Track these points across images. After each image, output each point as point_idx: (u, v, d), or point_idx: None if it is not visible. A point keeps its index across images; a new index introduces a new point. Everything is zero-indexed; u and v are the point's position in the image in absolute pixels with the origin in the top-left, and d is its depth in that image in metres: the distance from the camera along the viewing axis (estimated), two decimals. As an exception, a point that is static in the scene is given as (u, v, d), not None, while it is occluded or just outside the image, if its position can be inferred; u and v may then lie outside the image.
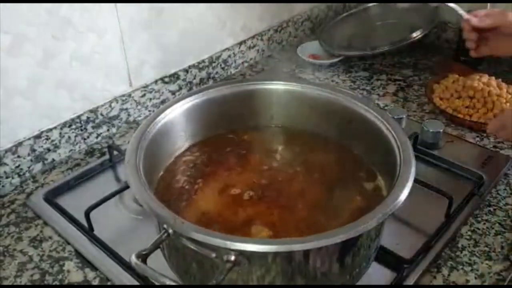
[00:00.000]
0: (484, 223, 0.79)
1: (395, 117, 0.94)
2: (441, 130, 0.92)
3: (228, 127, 0.77)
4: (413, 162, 0.60)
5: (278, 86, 0.76)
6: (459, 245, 0.76)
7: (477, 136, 0.97)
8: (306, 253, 0.54)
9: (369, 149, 0.71)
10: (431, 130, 0.92)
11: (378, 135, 0.68)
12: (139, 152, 0.63)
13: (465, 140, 0.96)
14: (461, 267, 0.72)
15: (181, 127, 0.74)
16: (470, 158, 0.91)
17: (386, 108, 1.05)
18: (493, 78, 1.05)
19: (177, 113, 0.73)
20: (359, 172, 0.72)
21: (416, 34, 1.16)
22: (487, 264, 0.72)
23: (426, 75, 1.18)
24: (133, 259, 0.51)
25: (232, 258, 0.51)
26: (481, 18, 0.84)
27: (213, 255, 0.52)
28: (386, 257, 0.71)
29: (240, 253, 0.51)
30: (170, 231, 0.53)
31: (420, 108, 1.07)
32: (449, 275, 0.71)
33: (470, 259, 0.73)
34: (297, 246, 0.50)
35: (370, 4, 1.34)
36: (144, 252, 0.53)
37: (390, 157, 0.64)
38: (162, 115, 0.71)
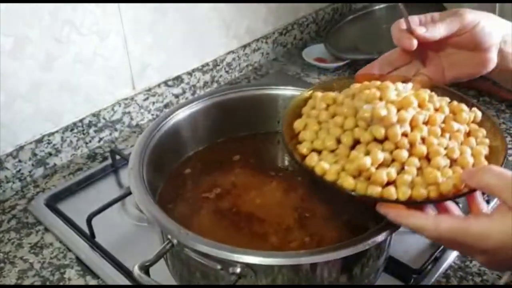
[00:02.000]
0: (494, 232, 0.77)
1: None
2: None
3: (234, 133, 0.76)
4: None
5: (285, 91, 0.75)
6: (469, 255, 0.74)
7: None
8: (314, 265, 0.52)
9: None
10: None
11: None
12: (143, 159, 0.62)
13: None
14: (470, 277, 0.71)
15: (185, 132, 0.72)
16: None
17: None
18: (429, 91, 0.60)
19: (181, 118, 0.71)
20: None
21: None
22: (497, 274, 0.71)
23: (434, 79, 1.16)
24: (136, 271, 0.50)
25: (238, 270, 0.50)
26: (432, 27, 0.63)
27: (219, 267, 0.51)
28: (394, 266, 0.69)
29: (246, 265, 0.49)
30: (174, 241, 0.52)
31: (428, 113, 1.05)
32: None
33: (479, 269, 0.72)
34: (305, 259, 0.48)
35: (376, 7, 1.32)
36: (147, 263, 0.51)
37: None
38: (167, 120, 0.69)
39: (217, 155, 0.73)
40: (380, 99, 0.55)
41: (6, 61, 0.79)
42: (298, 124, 0.60)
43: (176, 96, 1.08)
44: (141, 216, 0.80)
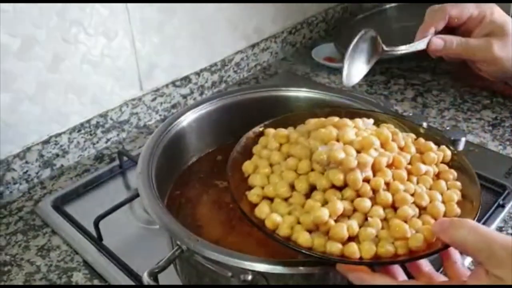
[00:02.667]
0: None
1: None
2: (464, 139, 0.89)
3: (243, 135, 0.74)
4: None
5: (297, 93, 0.73)
6: (484, 260, 0.72)
7: (500, 144, 0.94)
8: (326, 273, 0.51)
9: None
10: (452, 138, 0.89)
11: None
12: (152, 163, 0.61)
13: (487, 148, 0.93)
14: (485, 283, 0.69)
15: (194, 135, 0.71)
16: (493, 167, 0.87)
17: (404, 114, 1.02)
18: (392, 127, 0.58)
19: (190, 120, 0.70)
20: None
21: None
22: (513, 280, 0.69)
23: (446, 80, 1.14)
24: (146, 278, 0.49)
25: (249, 278, 0.49)
26: (450, 45, 0.61)
27: (229, 274, 0.50)
28: (404, 270, 0.68)
29: (258, 273, 0.48)
30: (184, 247, 0.51)
31: (440, 114, 1.03)
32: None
33: None
34: (318, 268, 0.47)
35: (387, 6, 1.31)
36: (156, 270, 0.50)
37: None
38: (175, 123, 0.68)
39: (226, 157, 0.72)
40: (338, 139, 0.50)
41: (13, 62, 0.79)
42: (247, 167, 0.55)
43: (184, 96, 1.07)
44: (149, 219, 0.79)
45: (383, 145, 0.51)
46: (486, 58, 0.60)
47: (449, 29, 0.62)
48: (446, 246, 0.45)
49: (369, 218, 0.47)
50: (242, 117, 0.73)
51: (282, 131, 0.56)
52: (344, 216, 0.47)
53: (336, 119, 0.54)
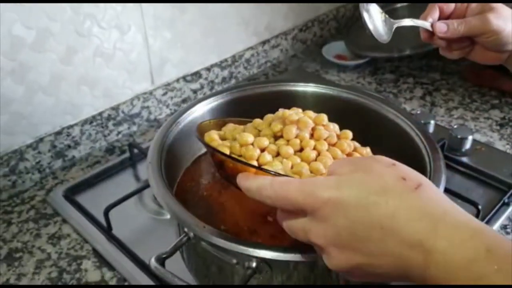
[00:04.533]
0: (514, 235, 0.76)
1: (423, 122, 0.92)
2: (470, 137, 0.89)
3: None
4: (443, 175, 0.58)
5: (305, 88, 0.74)
6: (488, 257, 0.73)
7: (507, 144, 0.94)
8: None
9: (397, 155, 0.69)
10: (459, 136, 0.90)
11: (407, 141, 0.66)
12: (161, 153, 0.62)
13: (494, 147, 0.93)
14: None
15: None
16: (499, 166, 0.87)
17: (413, 112, 1.03)
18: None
19: (199, 113, 0.71)
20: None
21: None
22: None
23: (455, 79, 1.15)
24: (153, 263, 0.50)
25: (254, 265, 0.50)
26: (452, 27, 0.65)
27: (234, 261, 0.51)
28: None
29: (262, 260, 0.49)
30: (191, 234, 0.52)
31: (448, 113, 1.04)
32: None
33: None
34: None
35: (398, 5, 1.31)
36: (163, 255, 0.51)
37: (419, 164, 0.61)
38: (185, 115, 0.69)
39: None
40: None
41: (28, 54, 0.80)
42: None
43: (194, 91, 1.09)
44: (157, 209, 0.80)
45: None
46: (485, 31, 0.65)
47: (444, 19, 0.69)
48: None
49: (284, 160, 0.51)
50: (250, 110, 0.74)
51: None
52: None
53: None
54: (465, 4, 0.67)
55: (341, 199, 0.39)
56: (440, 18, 0.68)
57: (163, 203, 0.54)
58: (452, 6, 0.68)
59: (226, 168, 0.51)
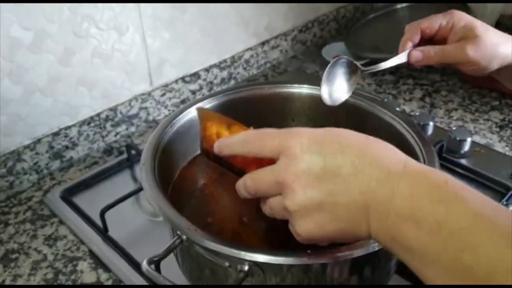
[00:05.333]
0: (512, 238, 0.76)
1: (422, 123, 0.91)
2: (469, 138, 0.89)
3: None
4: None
5: (301, 89, 0.74)
6: (485, 260, 0.72)
7: (507, 146, 0.93)
8: (324, 265, 0.51)
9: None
10: (458, 138, 0.89)
11: (403, 142, 0.65)
12: (156, 154, 0.62)
13: (493, 149, 0.92)
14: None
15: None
16: (498, 168, 0.87)
17: (412, 113, 1.02)
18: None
19: (195, 114, 0.71)
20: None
21: (445, 38, 1.12)
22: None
23: (455, 80, 1.14)
24: (144, 265, 0.50)
25: (246, 268, 0.49)
26: (428, 55, 0.65)
27: (226, 264, 0.51)
28: (406, 268, 0.68)
29: (254, 263, 0.49)
30: (184, 237, 0.52)
31: (448, 114, 1.03)
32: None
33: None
34: (314, 260, 0.47)
35: (399, 6, 1.30)
36: (156, 258, 0.51)
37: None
38: (180, 116, 0.69)
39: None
40: None
41: (25, 55, 0.80)
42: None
43: (193, 92, 1.09)
44: (154, 211, 0.80)
45: None
46: (462, 60, 0.64)
47: (427, 41, 0.68)
48: None
49: None
50: (246, 112, 0.74)
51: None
52: None
53: None
54: (450, 25, 0.65)
55: (315, 136, 0.43)
56: (422, 39, 0.67)
57: (154, 205, 0.54)
58: (436, 27, 0.66)
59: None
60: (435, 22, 0.66)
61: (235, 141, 0.49)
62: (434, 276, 0.37)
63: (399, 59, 0.67)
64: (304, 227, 0.43)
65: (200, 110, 0.60)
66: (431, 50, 0.65)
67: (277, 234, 0.59)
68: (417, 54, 0.66)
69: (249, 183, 0.47)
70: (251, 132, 0.49)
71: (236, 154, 0.51)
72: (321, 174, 0.42)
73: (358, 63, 0.65)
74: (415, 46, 0.67)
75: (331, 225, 0.43)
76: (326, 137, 0.43)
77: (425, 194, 0.38)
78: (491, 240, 0.34)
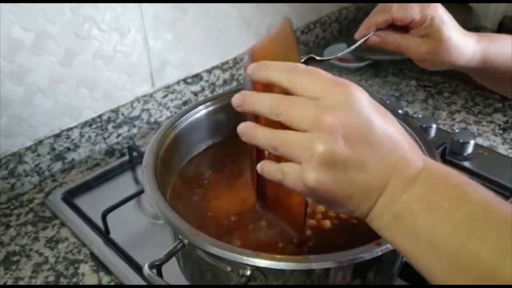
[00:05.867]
0: (516, 241, 0.75)
1: (424, 125, 0.91)
2: (473, 141, 0.89)
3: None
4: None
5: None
6: (489, 264, 0.72)
7: (510, 148, 0.93)
8: (326, 269, 0.51)
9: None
10: (461, 141, 0.89)
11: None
12: (157, 157, 0.62)
13: (497, 152, 0.92)
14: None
15: (200, 130, 0.72)
16: (502, 170, 0.86)
17: (415, 115, 1.02)
18: None
19: (197, 116, 0.71)
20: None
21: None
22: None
23: (458, 82, 1.14)
24: (146, 270, 0.50)
25: (248, 273, 0.49)
26: (385, 41, 0.64)
27: (228, 268, 0.50)
28: (409, 272, 0.67)
29: (256, 268, 0.48)
30: (185, 241, 0.51)
31: (451, 116, 1.03)
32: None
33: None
34: (317, 265, 0.47)
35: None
36: (157, 262, 0.51)
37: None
38: (183, 118, 0.69)
39: (230, 150, 0.73)
40: None
41: (27, 56, 0.80)
42: None
43: (195, 93, 1.08)
44: (156, 214, 0.79)
45: None
46: (416, 58, 0.64)
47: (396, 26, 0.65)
48: None
49: None
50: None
51: None
52: None
53: None
54: (422, 21, 0.62)
55: (363, 97, 0.40)
56: (391, 25, 0.64)
57: (156, 209, 0.53)
58: (408, 21, 0.62)
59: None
60: (410, 15, 0.62)
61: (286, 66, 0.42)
62: (438, 267, 0.37)
63: (358, 43, 0.65)
64: (317, 177, 0.38)
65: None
66: (390, 38, 0.64)
67: (275, 232, 0.59)
68: (375, 38, 0.65)
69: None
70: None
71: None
72: (361, 136, 0.39)
73: (313, 55, 0.60)
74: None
75: (343, 188, 0.39)
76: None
77: (441, 179, 0.39)
78: (500, 229, 0.35)
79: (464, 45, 0.63)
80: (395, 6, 0.63)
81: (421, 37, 0.63)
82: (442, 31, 0.62)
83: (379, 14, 0.64)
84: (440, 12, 0.62)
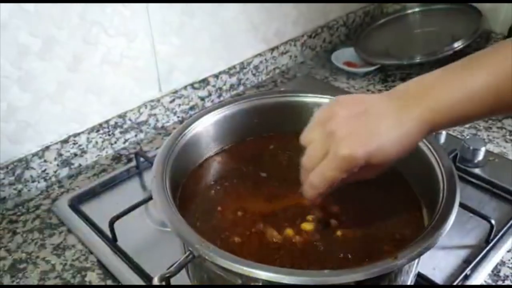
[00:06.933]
0: (528, 250, 0.74)
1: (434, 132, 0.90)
2: (483, 147, 0.88)
3: (257, 137, 0.75)
4: (458, 194, 0.57)
5: (314, 99, 0.73)
6: (501, 274, 0.71)
7: (521, 155, 0.92)
8: (341, 285, 0.50)
9: (408, 168, 0.67)
10: (472, 147, 0.88)
11: (417, 152, 0.64)
12: (166, 166, 0.61)
13: (508, 158, 0.91)
14: (502, 297, 0.68)
15: (208, 138, 0.71)
16: (512, 178, 0.85)
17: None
18: None
19: (206, 123, 0.70)
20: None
21: (458, 44, 1.10)
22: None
23: (467, 87, 1.12)
24: (156, 282, 0.49)
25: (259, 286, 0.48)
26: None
27: (239, 281, 0.50)
28: (422, 283, 0.67)
29: (267, 282, 0.48)
30: (196, 253, 0.51)
31: (460, 122, 1.01)
32: (489, 306, 0.67)
33: (512, 289, 0.69)
34: (331, 280, 0.46)
35: (409, 11, 1.29)
36: (167, 275, 0.50)
37: (431, 181, 0.60)
38: (192, 126, 0.68)
39: (238, 156, 0.73)
40: None
41: (34, 61, 0.80)
42: None
43: (202, 98, 1.08)
44: (163, 221, 0.79)
45: None
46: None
47: None
48: None
49: None
50: (258, 121, 0.73)
51: None
52: None
53: None
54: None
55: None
56: None
57: (167, 222, 0.52)
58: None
59: None
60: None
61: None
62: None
63: None
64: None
65: None
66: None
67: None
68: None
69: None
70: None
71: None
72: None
73: None
74: None
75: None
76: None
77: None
78: None
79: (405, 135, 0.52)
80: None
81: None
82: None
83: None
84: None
